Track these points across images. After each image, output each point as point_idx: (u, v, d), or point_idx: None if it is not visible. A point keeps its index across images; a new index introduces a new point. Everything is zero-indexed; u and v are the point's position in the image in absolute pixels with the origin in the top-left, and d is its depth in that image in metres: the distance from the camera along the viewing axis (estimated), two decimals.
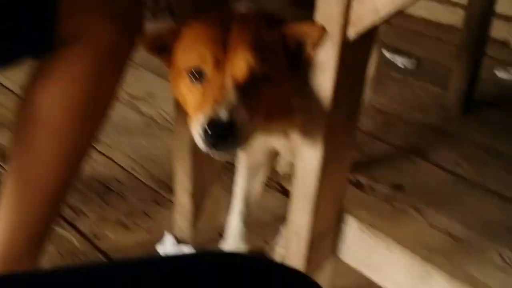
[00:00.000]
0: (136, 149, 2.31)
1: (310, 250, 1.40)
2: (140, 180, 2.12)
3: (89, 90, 1.27)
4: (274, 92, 1.19)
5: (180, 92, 1.21)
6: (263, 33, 1.19)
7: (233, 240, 1.73)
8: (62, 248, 1.77)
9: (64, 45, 1.23)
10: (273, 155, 1.66)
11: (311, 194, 1.31)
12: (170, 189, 2.04)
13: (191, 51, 1.17)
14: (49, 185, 1.30)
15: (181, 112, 1.54)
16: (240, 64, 1.13)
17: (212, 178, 1.71)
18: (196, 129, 1.09)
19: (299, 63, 1.20)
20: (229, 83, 1.12)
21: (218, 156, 1.17)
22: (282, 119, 1.28)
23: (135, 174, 2.16)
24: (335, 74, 1.15)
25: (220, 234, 1.83)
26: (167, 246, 1.75)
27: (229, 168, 1.91)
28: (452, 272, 1.29)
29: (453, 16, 3.42)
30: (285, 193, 2.09)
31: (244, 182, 1.67)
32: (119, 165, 2.20)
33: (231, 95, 1.10)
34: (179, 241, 1.77)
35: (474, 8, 2.47)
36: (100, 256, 1.76)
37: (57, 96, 1.25)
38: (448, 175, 2.23)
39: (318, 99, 1.19)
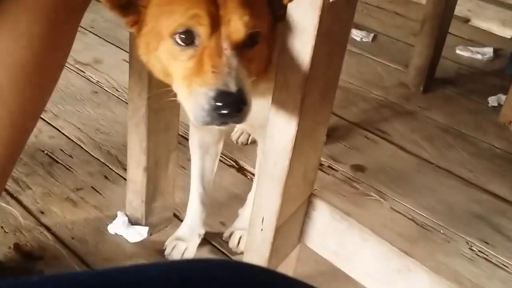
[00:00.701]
0: (82, 119, 2.14)
1: (276, 238, 1.29)
2: (88, 152, 1.96)
3: (37, 48, 1.10)
4: (262, 51, 1.08)
5: (159, 59, 1.06)
6: None
7: (191, 223, 1.61)
8: (6, 224, 1.61)
9: None
10: (224, 132, 1.56)
11: (281, 176, 1.20)
12: (120, 163, 1.90)
13: (178, 10, 1.01)
14: None
15: (136, 80, 1.40)
16: (238, 23, 1.00)
17: (166, 153, 1.57)
18: (196, 102, 0.98)
19: (280, 17, 1.08)
20: (227, 46, 1.00)
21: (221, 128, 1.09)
22: (263, 79, 1.16)
23: (82, 145, 2.00)
24: (313, 39, 1.03)
25: (175, 214, 1.71)
26: (119, 226, 1.61)
27: (183, 143, 1.78)
28: (431, 267, 1.22)
29: None
30: (241, 170, 1.98)
31: (199, 162, 1.56)
32: (65, 135, 2.03)
33: (233, 60, 0.99)
34: (131, 221, 1.63)
35: None
36: (46, 233, 1.60)
37: None
38: (411, 157, 2.16)
39: (295, 66, 1.07)
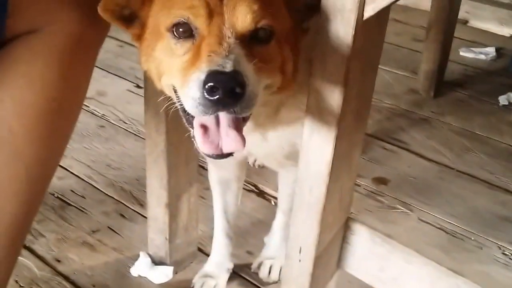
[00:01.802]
0: (91, 155, 2.07)
1: (315, 267, 1.23)
2: (101, 191, 1.89)
3: (52, 94, 1.04)
4: (280, 54, 0.99)
5: (156, 60, 1.00)
6: None
7: (219, 258, 1.55)
8: (20, 277, 1.52)
9: (19, 41, 1.00)
10: (244, 164, 1.48)
11: (318, 203, 1.14)
12: (135, 199, 1.84)
13: (176, 3, 0.96)
14: (10, 216, 1.06)
15: (152, 114, 1.34)
16: (244, 10, 0.93)
17: (188, 186, 1.50)
18: (190, 93, 0.87)
19: (306, 24, 1.03)
20: (231, 35, 0.91)
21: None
22: (284, 88, 1.04)
23: (94, 184, 1.92)
24: (347, 59, 0.97)
25: (199, 249, 1.64)
26: (142, 268, 1.53)
27: (200, 171, 1.71)
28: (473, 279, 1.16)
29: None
30: (261, 194, 1.92)
31: (220, 198, 1.49)
32: (75, 175, 1.95)
33: (235, 46, 0.89)
34: (155, 260, 1.56)
35: None
36: (64, 283, 1.52)
37: (12, 104, 1.02)
38: (431, 164, 2.11)
39: (328, 89, 1.01)
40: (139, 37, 1.05)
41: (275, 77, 0.99)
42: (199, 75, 0.86)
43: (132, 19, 1.04)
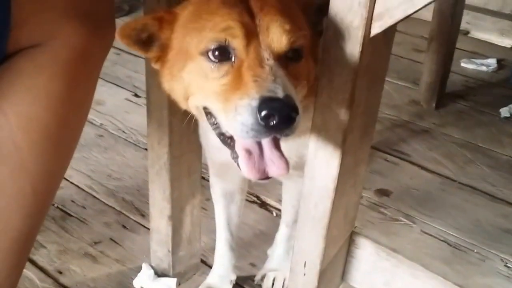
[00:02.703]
0: (91, 165, 2.06)
1: (320, 282, 1.22)
2: (101, 201, 1.88)
3: (57, 108, 1.03)
4: (309, 69, 0.99)
5: (183, 80, 0.99)
6: (286, 1, 0.99)
7: (222, 270, 1.53)
8: None
9: (23, 55, 0.99)
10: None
11: (323, 218, 1.14)
12: (137, 210, 1.83)
13: (207, 25, 0.94)
14: (15, 231, 1.05)
15: (155, 127, 1.33)
16: (278, 31, 0.92)
17: (191, 198, 1.49)
18: (237, 118, 0.87)
19: (320, 26, 1.03)
20: (269, 57, 0.91)
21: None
22: (307, 96, 1.04)
23: (94, 194, 1.91)
24: (354, 75, 0.97)
25: (202, 260, 1.63)
26: (145, 280, 1.52)
27: (204, 184, 1.71)
28: None
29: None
30: (264, 205, 1.91)
31: (224, 211, 1.48)
32: (75, 185, 1.94)
33: (277, 70, 0.89)
34: (157, 272, 1.55)
35: (444, 0, 2.36)
36: None
37: (16, 119, 1.01)
38: (433, 176, 2.11)
39: (334, 105, 1.00)
40: (159, 59, 1.04)
41: (304, 89, 1.00)
42: (249, 101, 0.86)
43: (150, 42, 1.02)
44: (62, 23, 1.01)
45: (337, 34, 0.95)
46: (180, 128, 1.34)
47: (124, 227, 1.76)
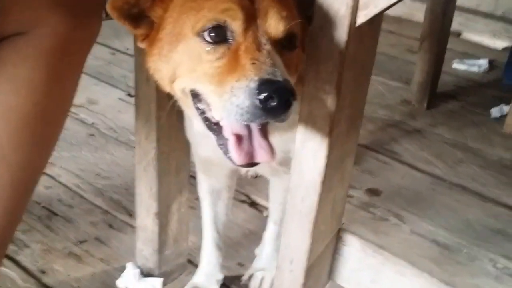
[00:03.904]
0: (80, 164, 2.03)
1: (307, 279, 1.20)
2: (89, 200, 1.85)
3: (39, 98, 1.01)
4: (299, 59, 0.98)
5: (172, 61, 0.96)
6: None
7: (208, 269, 1.51)
8: None
9: (6, 43, 0.97)
10: (235, 173, 1.45)
11: (310, 212, 1.12)
12: (124, 209, 1.80)
13: (205, 5, 0.92)
14: None
15: (142, 122, 1.31)
16: (276, 17, 0.92)
17: (178, 196, 1.47)
18: (234, 100, 0.85)
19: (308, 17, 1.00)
20: (266, 42, 0.90)
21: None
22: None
23: (82, 193, 1.88)
24: (340, 66, 0.96)
25: (189, 260, 1.61)
26: (130, 280, 1.49)
27: (192, 182, 1.69)
28: None
29: (410, 11, 3.34)
30: (253, 205, 1.89)
31: (210, 209, 1.46)
32: (63, 184, 1.91)
33: (274, 55, 0.88)
34: (143, 272, 1.52)
35: (436, 1, 2.37)
36: None
37: None
38: (424, 176, 2.10)
39: (321, 96, 0.99)
40: (146, 37, 1.02)
41: (294, 79, 0.98)
42: (247, 82, 0.84)
43: (139, 18, 1.00)
44: (47, 11, 0.99)
45: (324, 23, 0.95)
46: (168, 124, 1.32)
47: (111, 226, 1.74)
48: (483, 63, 3.01)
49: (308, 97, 1.01)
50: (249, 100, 0.83)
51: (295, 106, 0.87)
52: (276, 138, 1.14)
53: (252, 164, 0.92)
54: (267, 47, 0.89)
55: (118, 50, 2.93)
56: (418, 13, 2.64)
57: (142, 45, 1.03)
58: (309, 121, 1.03)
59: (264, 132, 0.94)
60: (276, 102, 0.82)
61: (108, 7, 0.96)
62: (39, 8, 0.99)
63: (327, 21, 0.94)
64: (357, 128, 1.15)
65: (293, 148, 1.09)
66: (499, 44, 3.26)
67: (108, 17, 1.01)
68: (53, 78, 1.03)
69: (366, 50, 1.04)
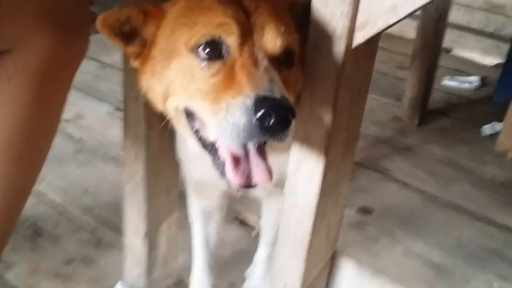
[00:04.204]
0: (68, 180, 1.99)
1: None
2: (76, 218, 1.81)
3: (25, 117, 0.99)
4: (297, 77, 0.95)
5: (166, 79, 0.93)
6: (277, 4, 0.95)
7: None
8: None
9: None
10: (227, 193, 1.40)
11: (304, 237, 1.09)
12: (113, 226, 1.76)
13: (199, 20, 0.89)
14: None
15: (131, 141, 1.28)
16: (274, 32, 0.89)
17: (168, 216, 1.44)
18: (230, 118, 0.81)
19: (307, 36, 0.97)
20: (263, 57, 0.86)
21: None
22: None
23: (69, 210, 1.84)
24: (336, 87, 0.93)
25: (179, 280, 1.57)
26: None
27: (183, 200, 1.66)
28: None
29: (401, 27, 3.34)
30: (244, 223, 1.86)
31: (202, 229, 1.42)
32: (50, 201, 1.87)
33: (272, 71, 0.85)
34: None
35: (428, 17, 2.37)
36: None
37: None
38: (416, 193, 2.09)
39: (316, 117, 0.97)
40: (139, 55, 0.99)
41: (293, 99, 0.95)
42: (243, 99, 0.80)
43: (131, 36, 0.97)
44: (34, 29, 0.97)
45: (319, 44, 0.92)
46: (158, 143, 1.29)
47: (99, 245, 1.70)
48: (474, 80, 3.00)
49: (303, 117, 0.98)
50: (246, 117, 0.79)
51: (293, 125, 0.83)
52: (272, 159, 1.12)
53: (249, 186, 0.88)
54: (264, 63, 0.86)
55: (106, 64, 2.90)
56: (408, 29, 2.64)
57: (135, 63, 1.00)
58: (304, 142, 1.00)
59: (262, 152, 0.90)
60: (274, 120, 0.78)
61: (98, 25, 0.93)
62: (26, 25, 0.96)
63: (323, 41, 0.91)
64: (353, 149, 1.13)
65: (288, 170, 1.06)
66: (490, 60, 3.26)
67: (96, 31, 0.98)
68: (40, 97, 1.00)
69: (363, 71, 1.01)
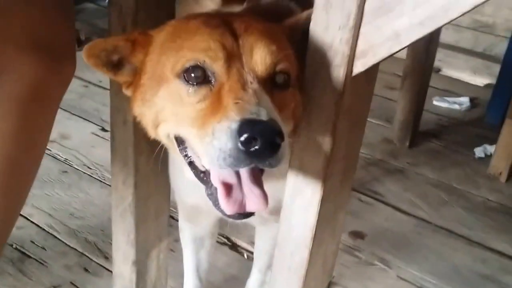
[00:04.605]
0: (53, 203, 1.94)
1: None
2: (63, 242, 1.77)
3: (8, 149, 0.95)
4: (296, 101, 0.91)
5: (155, 106, 0.90)
6: (271, 26, 0.93)
7: None
8: None
9: None
10: (218, 220, 1.37)
11: (300, 268, 1.05)
12: (100, 251, 1.73)
13: (184, 44, 0.86)
14: None
15: (119, 165, 1.24)
16: (262, 52, 0.85)
17: (157, 242, 1.40)
18: (215, 143, 0.77)
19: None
20: (253, 80, 0.83)
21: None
22: (293, 135, 0.96)
23: (55, 234, 1.80)
24: (335, 117, 0.90)
25: None
26: None
27: (172, 223, 1.62)
28: None
29: None
30: (234, 247, 1.82)
31: (193, 256, 1.40)
32: (35, 224, 1.83)
33: (261, 93, 0.81)
34: None
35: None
36: None
37: None
38: (408, 218, 2.06)
39: (313, 148, 0.93)
40: (131, 84, 0.96)
41: (290, 124, 0.92)
42: (229, 124, 0.76)
43: (120, 65, 0.95)
44: (17, 55, 0.93)
45: (317, 72, 0.88)
46: (146, 168, 1.25)
47: (86, 270, 1.66)
48: (465, 100, 2.99)
49: (299, 147, 0.95)
50: (231, 142, 0.75)
51: (285, 149, 0.79)
52: (267, 186, 1.08)
53: (244, 214, 0.85)
54: (254, 85, 0.82)
55: (90, 83, 2.85)
56: None
57: (127, 92, 0.97)
58: (301, 171, 0.97)
59: (256, 178, 0.86)
60: (260, 144, 0.75)
61: (84, 55, 0.90)
62: (9, 51, 0.92)
63: (321, 68, 0.88)
64: (350, 178, 1.10)
65: None
66: (480, 81, 3.25)
67: (80, 48, 0.95)
68: (24, 127, 0.97)
69: (362, 100, 0.99)
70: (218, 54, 0.84)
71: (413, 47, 2.36)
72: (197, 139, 0.82)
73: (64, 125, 2.43)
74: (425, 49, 2.33)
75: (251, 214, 0.85)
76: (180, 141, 0.91)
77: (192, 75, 0.85)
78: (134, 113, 0.97)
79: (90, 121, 2.51)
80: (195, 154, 0.88)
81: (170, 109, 0.88)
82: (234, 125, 0.75)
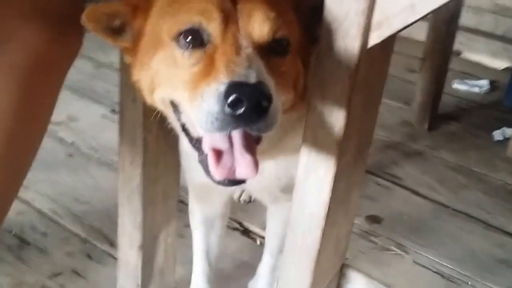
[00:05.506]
0: (57, 187, 1.89)
1: None
2: (65, 228, 1.71)
3: (8, 121, 0.91)
4: (295, 69, 0.90)
5: (151, 71, 0.89)
6: None
7: None
8: None
9: None
10: (229, 200, 1.36)
11: (313, 248, 1.02)
12: (105, 238, 1.68)
13: (182, 7, 0.86)
14: None
15: (127, 145, 1.19)
16: (260, 18, 0.84)
17: (165, 225, 1.35)
18: (204, 106, 0.76)
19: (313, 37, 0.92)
20: (248, 45, 0.81)
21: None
22: (294, 107, 0.95)
23: (58, 220, 1.74)
24: (349, 90, 0.86)
25: None
26: None
27: (182, 208, 1.57)
28: None
29: (409, 29, 3.28)
30: (246, 233, 1.77)
31: (203, 239, 1.37)
32: (37, 209, 1.78)
33: (254, 57, 0.80)
34: None
35: (439, 20, 2.30)
36: None
37: None
38: (426, 202, 2.00)
39: (327, 122, 0.90)
40: (131, 50, 0.95)
41: (289, 94, 0.90)
42: (217, 86, 0.75)
43: (121, 30, 0.94)
44: (20, 23, 0.90)
45: (331, 44, 0.85)
46: (156, 147, 1.21)
47: (89, 257, 1.61)
48: (484, 83, 2.93)
49: (312, 123, 0.91)
50: (218, 105, 0.75)
51: (275, 113, 0.78)
52: (279, 163, 1.07)
53: (234, 181, 0.83)
54: (248, 50, 0.81)
55: (102, 63, 2.80)
56: (418, 32, 2.56)
57: (127, 57, 0.96)
58: (313, 149, 0.92)
59: (249, 144, 0.84)
60: (245, 107, 0.73)
61: (83, 20, 0.88)
62: (12, 19, 0.89)
63: (335, 42, 0.84)
64: (365, 156, 1.05)
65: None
66: (499, 64, 3.19)
67: None
68: (26, 99, 0.93)
69: (377, 74, 0.94)
70: (214, 14, 0.83)
71: (433, 28, 2.32)
72: (188, 102, 0.81)
73: (73, 106, 2.38)
74: (445, 31, 2.29)
75: (241, 181, 0.83)
76: (174, 106, 0.90)
77: (188, 37, 0.84)
78: (133, 79, 0.95)
79: (100, 103, 2.45)
80: (189, 120, 0.87)
81: (165, 73, 0.88)
82: (222, 87, 0.75)
